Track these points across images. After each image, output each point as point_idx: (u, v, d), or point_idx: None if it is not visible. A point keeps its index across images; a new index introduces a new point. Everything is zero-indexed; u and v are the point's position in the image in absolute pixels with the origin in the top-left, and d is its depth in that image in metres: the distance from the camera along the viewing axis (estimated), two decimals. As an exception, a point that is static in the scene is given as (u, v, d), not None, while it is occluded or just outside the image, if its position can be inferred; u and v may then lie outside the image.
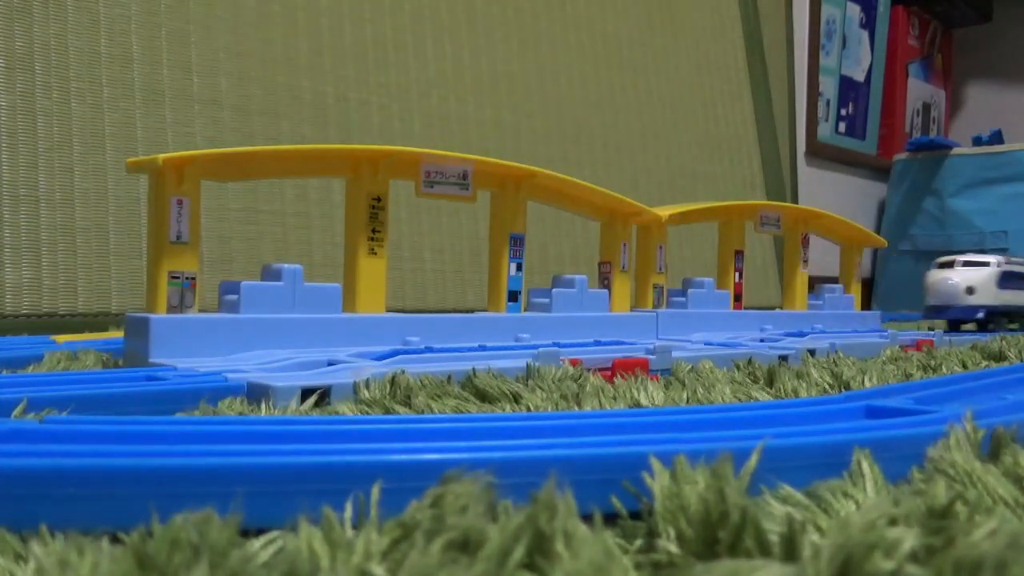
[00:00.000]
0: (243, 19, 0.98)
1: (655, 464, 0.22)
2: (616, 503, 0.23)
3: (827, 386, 0.51)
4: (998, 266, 1.08)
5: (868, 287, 2.15)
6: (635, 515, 0.22)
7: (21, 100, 0.81)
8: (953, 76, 2.62)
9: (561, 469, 0.23)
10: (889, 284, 2.15)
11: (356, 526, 0.21)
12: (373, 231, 0.61)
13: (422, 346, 0.57)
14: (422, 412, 0.39)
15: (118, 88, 0.87)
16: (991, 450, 0.29)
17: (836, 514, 0.22)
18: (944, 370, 0.63)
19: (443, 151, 0.64)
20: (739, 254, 0.90)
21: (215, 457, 0.22)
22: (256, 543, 0.19)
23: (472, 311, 0.73)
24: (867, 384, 0.52)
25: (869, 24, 2.21)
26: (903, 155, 2.15)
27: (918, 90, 2.43)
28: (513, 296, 0.69)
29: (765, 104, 1.76)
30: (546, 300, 0.71)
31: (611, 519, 0.22)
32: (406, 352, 0.53)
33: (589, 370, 0.53)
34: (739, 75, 1.70)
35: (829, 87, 2.09)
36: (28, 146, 0.81)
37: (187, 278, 0.53)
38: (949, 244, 2.03)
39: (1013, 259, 1.12)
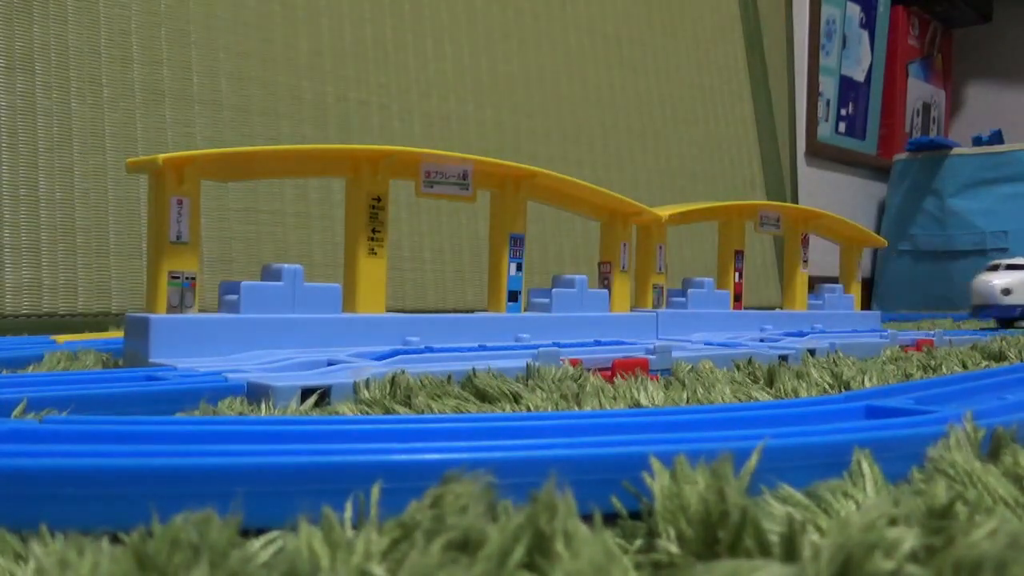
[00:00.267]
0: (243, 19, 0.98)
1: (655, 464, 0.22)
2: (616, 503, 0.23)
3: (827, 386, 0.51)
4: None
5: (868, 287, 2.15)
6: (635, 515, 0.22)
7: (21, 100, 0.81)
8: (953, 76, 2.62)
9: (561, 469, 0.23)
10: (889, 284, 2.15)
11: (356, 526, 0.21)
12: (373, 231, 0.61)
13: (422, 346, 0.57)
14: (422, 412, 0.39)
15: (118, 88, 0.87)
16: (991, 450, 0.29)
17: (836, 514, 0.22)
18: (944, 370, 0.63)
19: (443, 151, 0.64)
20: (739, 254, 0.90)
21: (215, 457, 0.22)
22: (256, 543, 0.19)
23: (472, 311, 0.73)
24: (867, 384, 0.52)
25: (869, 24, 2.21)
26: (903, 155, 2.15)
27: (918, 90, 2.43)
28: (513, 296, 0.69)
29: (765, 104, 1.76)
30: (546, 300, 0.71)
31: (611, 519, 0.22)
32: (406, 352, 0.53)
33: (589, 370, 0.53)
34: (739, 75, 1.70)
35: (829, 87, 2.09)
36: (28, 146, 0.81)
37: (187, 278, 0.53)
38: (949, 244, 2.03)
39: None
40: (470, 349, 0.57)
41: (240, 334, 0.53)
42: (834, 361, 0.64)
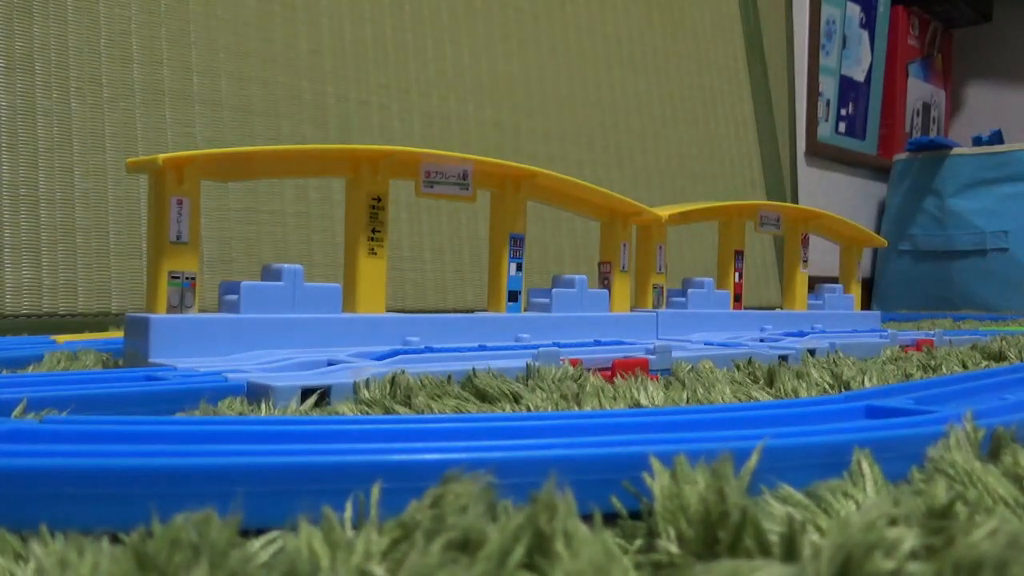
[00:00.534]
0: (243, 19, 0.98)
1: (655, 464, 0.22)
2: (616, 503, 0.23)
3: (827, 386, 0.51)
4: None
5: (868, 287, 2.15)
6: (635, 515, 0.22)
7: (21, 100, 0.81)
8: (953, 76, 2.62)
9: (561, 469, 0.23)
10: (889, 284, 2.15)
11: (356, 526, 0.21)
12: (373, 231, 0.61)
13: (422, 346, 0.57)
14: (422, 412, 0.39)
15: (118, 88, 0.87)
16: (991, 450, 0.29)
17: (836, 514, 0.22)
18: (944, 370, 0.63)
19: (443, 151, 0.64)
20: (739, 254, 0.90)
21: (215, 457, 0.22)
22: (256, 543, 0.19)
23: (472, 311, 0.73)
24: (867, 384, 0.52)
25: (869, 24, 2.21)
26: (903, 155, 2.15)
27: (918, 90, 2.43)
28: (513, 296, 0.69)
29: (765, 104, 1.76)
30: (546, 300, 0.71)
31: (611, 519, 0.22)
32: (406, 352, 0.53)
33: (589, 370, 0.53)
34: (739, 75, 1.70)
35: (829, 87, 2.09)
36: (28, 146, 0.81)
37: (187, 278, 0.53)
38: (949, 244, 2.03)
39: None
40: (470, 349, 0.57)
41: (240, 334, 0.53)
42: (834, 361, 0.64)
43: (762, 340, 0.76)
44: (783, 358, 0.66)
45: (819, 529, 0.21)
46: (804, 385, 0.50)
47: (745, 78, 1.71)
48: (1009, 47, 2.57)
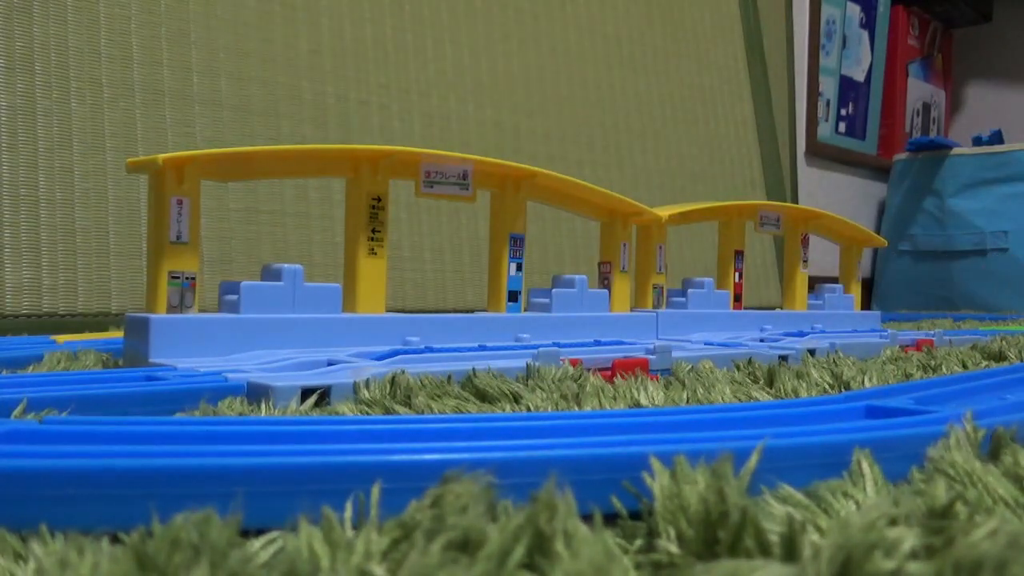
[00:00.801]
0: (243, 19, 0.98)
1: (655, 464, 0.22)
2: (616, 503, 0.23)
3: (827, 386, 0.51)
4: None
5: (868, 287, 2.15)
6: (635, 515, 0.22)
7: (21, 100, 0.81)
8: (953, 76, 2.62)
9: (561, 469, 0.23)
10: (889, 284, 2.15)
11: (356, 526, 0.21)
12: (373, 231, 0.61)
13: (422, 346, 0.57)
14: (422, 412, 0.39)
15: (118, 88, 0.87)
16: (991, 450, 0.29)
17: (836, 514, 0.22)
18: (944, 370, 0.63)
19: (443, 151, 0.64)
20: (739, 254, 0.90)
21: (215, 457, 0.22)
22: (256, 543, 0.19)
23: (472, 311, 0.73)
24: (867, 384, 0.52)
25: (869, 24, 2.21)
26: (903, 155, 2.15)
27: (918, 90, 2.43)
28: (513, 296, 0.69)
29: (765, 104, 1.76)
30: (546, 300, 0.71)
31: (611, 519, 0.22)
32: (406, 352, 0.53)
33: (589, 370, 0.53)
34: (739, 75, 1.70)
35: (829, 87, 2.09)
36: (28, 146, 0.81)
37: (187, 278, 0.53)
38: (949, 244, 2.03)
39: None
40: (470, 349, 0.57)
41: (240, 334, 0.53)
42: (834, 361, 0.64)
43: (762, 340, 0.76)
44: (783, 358, 0.66)
45: (819, 529, 0.21)
46: (804, 385, 0.50)
47: (745, 78, 1.71)
48: (1009, 47, 2.57)
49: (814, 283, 1.00)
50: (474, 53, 1.22)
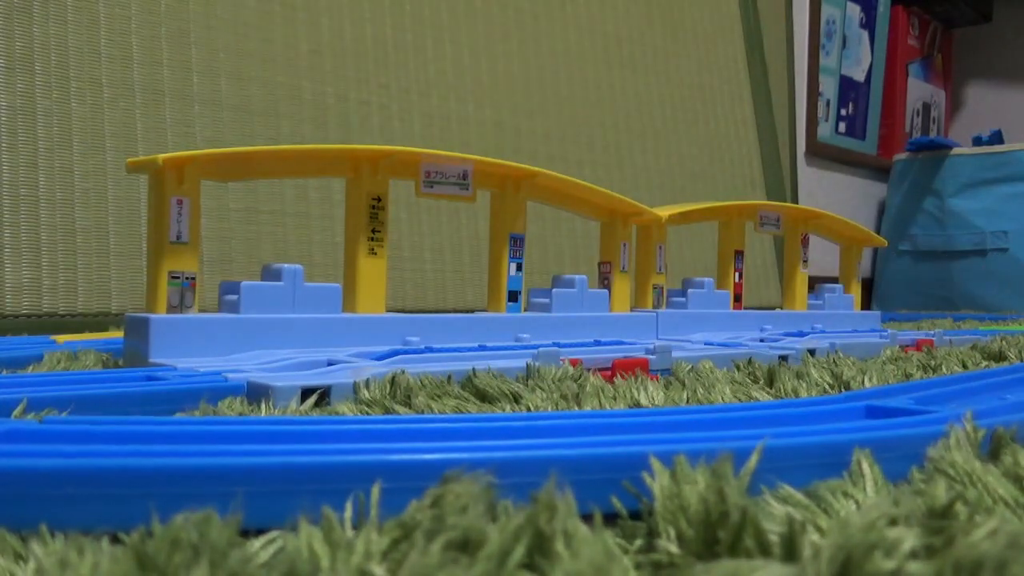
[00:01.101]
0: (243, 19, 0.98)
1: (655, 464, 0.22)
2: (616, 503, 0.23)
3: (827, 386, 0.51)
4: None
5: (868, 287, 2.15)
6: (635, 515, 0.22)
7: (21, 100, 0.81)
8: (953, 76, 2.62)
9: (561, 469, 0.23)
10: (889, 284, 2.15)
11: (356, 526, 0.21)
12: (373, 231, 0.61)
13: (422, 346, 0.57)
14: (422, 412, 0.39)
15: (118, 88, 0.87)
16: (991, 450, 0.29)
17: (836, 514, 0.22)
18: (944, 370, 0.63)
19: (443, 151, 0.64)
20: (739, 254, 0.90)
21: (215, 457, 0.22)
22: (256, 543, 0.19)
23: (472, 311, 0.73)
24: (867, 384, 0.52)
25: (869, 24, 2.21)
26: (903, 155, 2.15)
27: (918, 90, 2.43)
28: (513, 296, 0.69)
29: (765, 104, 1.76)
30: (546, 300, 0.71)
31: (611, 519, 0.22)
32: (406, 352, 0.53)
33: (589, 370, 0.53)
34: (739, 75, 1.70)
35: (829, 87, 2.09)
36: (28, 146, 0.81)
37: (187, 278, 0.53)
38: (949, 244, 2.03)
39: None
40: (470, 349, 0.57)
41: (240, 334, 0.53)
42: (834, 361, 0.64)
43: (762, 340, 0.76)
44: (783, 358, 0.66)
45: (819, 529, 0.21)
46: (804, 385, 0.50)
47: (745, 78, 1.71)
48: (1009, 47, 2.57)
49: (814, 283, 1.00)
50: (474, 53, 1.22)
